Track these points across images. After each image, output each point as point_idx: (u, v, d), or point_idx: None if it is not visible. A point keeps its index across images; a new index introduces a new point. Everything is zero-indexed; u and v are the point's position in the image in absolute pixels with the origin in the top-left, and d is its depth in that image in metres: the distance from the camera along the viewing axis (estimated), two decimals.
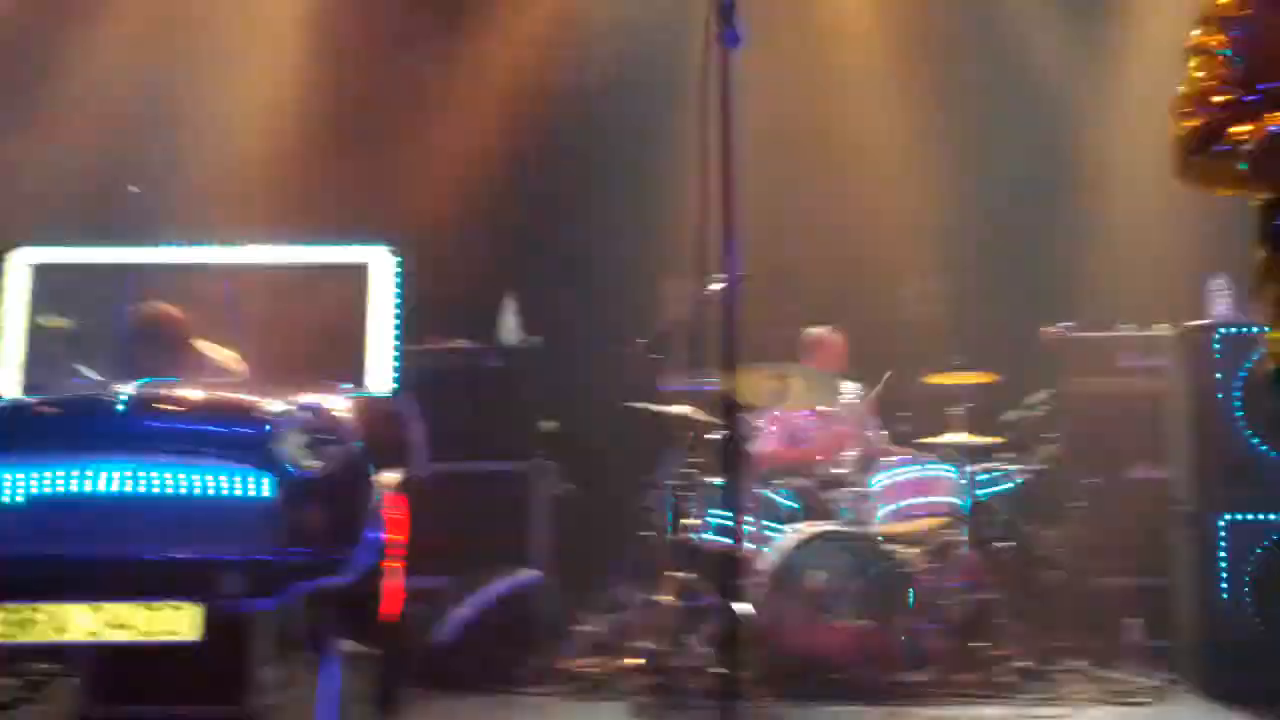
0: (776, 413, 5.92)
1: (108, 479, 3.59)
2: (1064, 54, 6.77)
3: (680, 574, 5.22)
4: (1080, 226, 6.69)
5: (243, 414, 3.81)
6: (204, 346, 4.84)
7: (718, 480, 5.46)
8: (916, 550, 5.44)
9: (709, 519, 5.45)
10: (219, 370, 4.79)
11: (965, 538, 5.41)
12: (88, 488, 3.58)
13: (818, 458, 5.85)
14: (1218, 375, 5.10)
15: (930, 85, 6.94)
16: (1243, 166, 2.55)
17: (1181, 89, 2.68)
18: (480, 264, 6.61)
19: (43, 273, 4.52)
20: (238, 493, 3.66)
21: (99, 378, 4.37)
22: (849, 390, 6.14)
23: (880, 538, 5.33)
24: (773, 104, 6.54)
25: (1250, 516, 5.03)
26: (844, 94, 7.02)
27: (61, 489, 3.58)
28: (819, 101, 7.02)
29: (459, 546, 5.29)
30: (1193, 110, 2.64)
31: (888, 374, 5.92)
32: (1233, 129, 2.56)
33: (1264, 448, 5.02)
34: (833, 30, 7.13)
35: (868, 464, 5.74)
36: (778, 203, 6.53)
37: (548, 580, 5.51)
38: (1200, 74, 2.65)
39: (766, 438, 6.01)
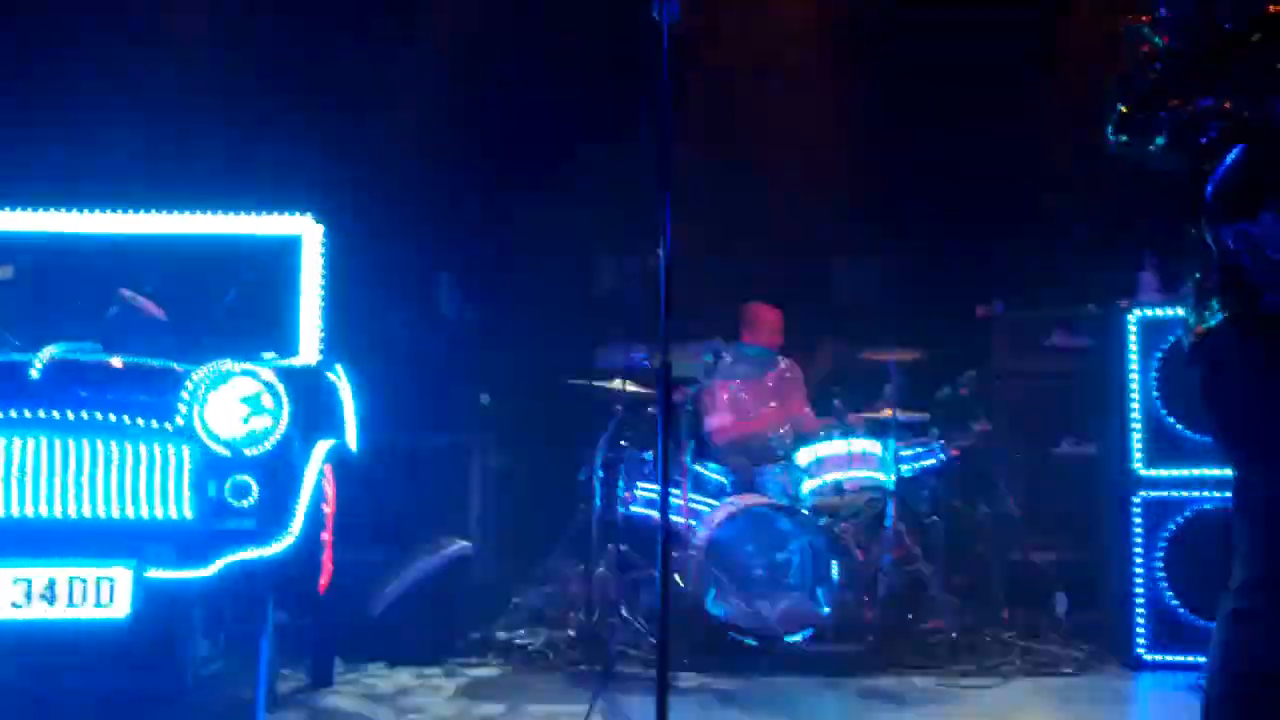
0: (719, 386, 5.96)
1: (23, 445, 3.53)
2: (995, 32, 6.83)
3: (615, 547, 5.24)
4: (1012, 206, 6.77)
5: (166, 381, 3.75)
6: (128, 296, 4.73)
7: (650, 454, 5.49)
8: (846, 524, 5.50)
9: (642, 492, 5.48)
10: (142, 316, 4.69)
11: (894, 512, 5.48)
12: (8, 451, 3.52)
13: (765, 429, 5.88)
14: (1136, 355, 5.21)
15: (863, 64, 6.98)
16: (1160, 141, 2.60)
17: (1116, 67, 2.73)
18: (416, 236, 6.55)
19: None
20: (159, 461, 3.61)
21: (15, 342, 4.27)
22: (784, 364, 6.19)
23: (808, 511, 5.38)
24: (709, 80, 6.55)
25: (1166, 493, 5.15)
26: (777, 72, 7.03)
27: None
28: (754, 78, 7.03)
29: (394, 518, 5.27)
30: (1123, 87, 2.68)
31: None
32: (1160, 105, 2.61)
33: (1179, 426, 5.15)
34: (763, 9, 7.13)
35: (798, 438, 5.78)
36: (714, 178, 6.55)
37: (484, 552, 5.50)
38: (1131, 52, 2.69)
39: (716, 413, 6.03)
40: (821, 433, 5.69)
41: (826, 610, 5.16)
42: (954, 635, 5.27)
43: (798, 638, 5.14)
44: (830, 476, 5.54)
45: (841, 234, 6.96)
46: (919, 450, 5.72)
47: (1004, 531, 5.83)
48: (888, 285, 6.74)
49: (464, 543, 5.36)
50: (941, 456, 5.73)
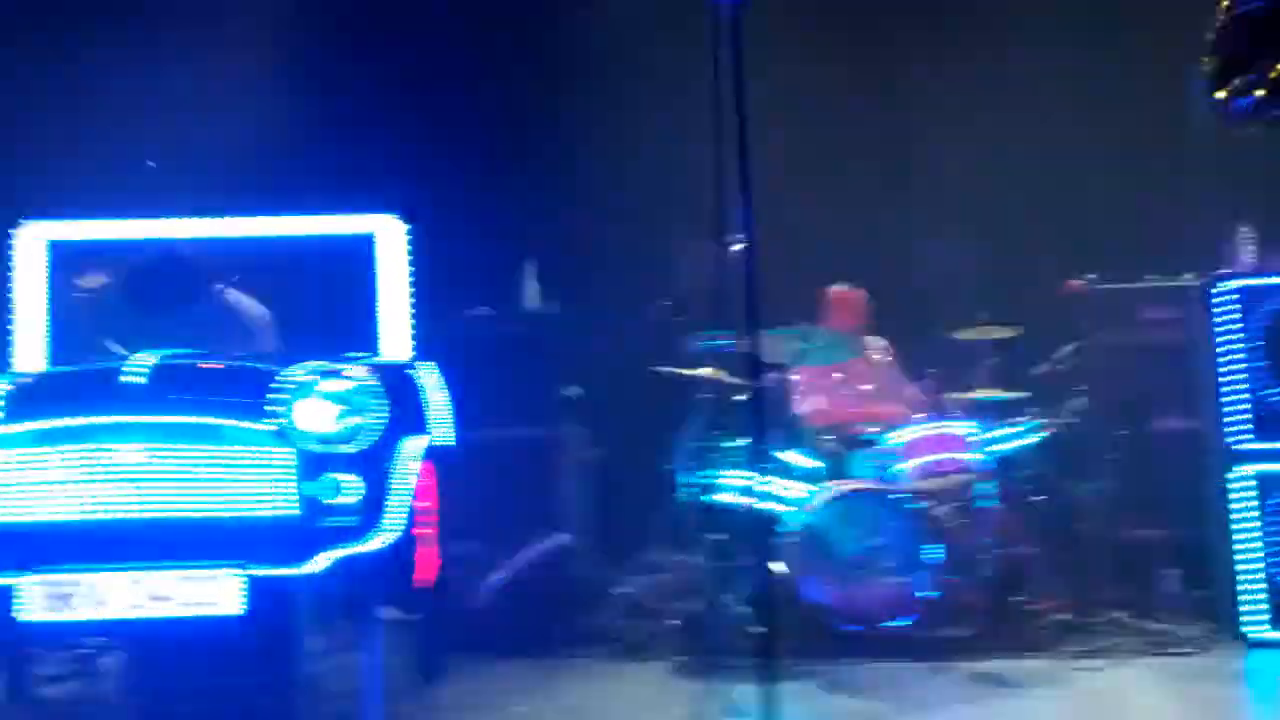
0: (808, 371, 5.90)
1: (131, 449, 3.59)
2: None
3: (712, 535, 5.21)
4: (1104, 177, 6.60)
5: (265, 383, 3.79)
6: (229, 294, 4.80)
7: (743, 440, 5.45)
8: (943, 506, 5.42)
9: (736, 479, 5.44)
10: (241, 318, 4.76)
11: (992, 492, 5.38)
12: (113, 458, 3.58)
13: (864, 417, 5.82)
14: (1240, 326, 5.05)
15: (952, 35, 6.85)
16: (1252, 99, 2.52)
17: (1211, 28, 2.65)
18: (498, 230, 6.58)
19: (59, 248, 4.52)
20: (259, 461, 3.66)
21: (123, 350, 4.37)
22: (876, 347, 6.11)
23: (904, 494, 5.30)
24: (789, 61, 6.47)
25: (1274, 466, 4.98)
26: (863, 48, 6.94)
27: (88, 459, 3.58)
28: (836, 56, 6.93)
29: (490, 512, 5.29)
30: (1215, 46, 2.61)
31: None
32: (1252, 64, 2.53)
33: None
34: None
35: (896, 420, 5.71)
36: (796, 161, 6.47)
37: (580, 544, 5.51)
38: (1226, 12, 2.62)
39: (806, 397, 5.98)
40: (916, 414, 5.61)
41: (928, 594, 5.09)
42: (1064, 616, 5.15)
43: (901, 623, 5.07)
44: (925, 459, 5.46)
45: (923, 208, 6.83)
46: (1015, 429, 5.62)
47: (1107, 509, 5.68)
48: (973, 260, 6.60)
49: (559, 535, 5.38)
50: (1039, 435, 5.62)
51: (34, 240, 4.42)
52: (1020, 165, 6.59)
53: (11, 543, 3.55)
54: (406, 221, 4.56)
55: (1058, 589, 5.29)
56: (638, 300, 6.15)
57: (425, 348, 4.56)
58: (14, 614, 3.48)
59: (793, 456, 5.59)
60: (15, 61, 6.43)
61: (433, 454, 4.13)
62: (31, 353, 4.37)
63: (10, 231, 4.41)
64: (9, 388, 3.76)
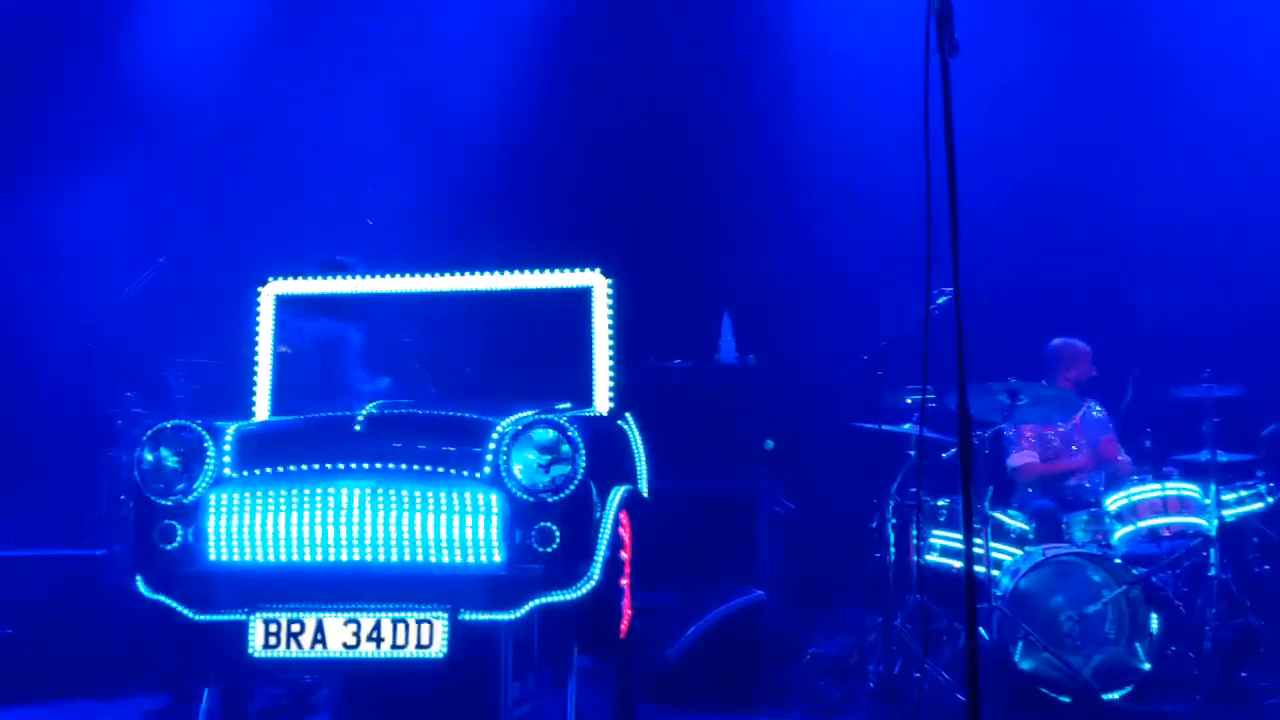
0: (1022, 426, 5.71)
1: (351, 494, 3.75)
2: None
3: (913, 597, 5.08)
4: None
5: (474, 433, 3.90)
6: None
7: (944, 500, 5.32)
8: (1166, 573, 5.15)
9: (938, 540, 5.30)
10: None
11: (1217, 560, 5.08)
12: (332, 502, 3.74)
13: (1077, 470, 5.61)
14: None
15: (1167, 86, 6.61)
16: None
17: None
18: (696, 283, 6.64)
19: (287, 303, 4.78)
20: (470, 508, 3.75)
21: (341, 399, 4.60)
22: (1095, 405, 5.88)
23: (1121, 560, 5.06)
24: (1004, 110, 6.36)
25: None
26: (1079, 98, 6.76)
27: (310, 503, 3.75)
28: (1054, 107, 6.77)
29: (684, 564, 5.29)
30: None
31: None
32: None
33: None
34: (1082, 37, 6.89)
35: (1108, 482, 5.46)
36: (1010, 212, 6.33)
37: (774, 600, 5.44)
38: None
39: (1019, 450, 5.80)
40: (1134, 476, 5.35)
41: (1147, 666, 4.83)
42: None
43: (1115, 695, 4.83)
44: (1144, 523, 5.22)
45: (1149, 259, 6.56)
46: (1244, 493, 5.31)
47: None
48: (1195, 311, 6.27)
49: (754, 589, 5.33)
50: (1270, 499, 5.30)
51: (271, 298, 4.69)
52: (1246, 210, 6.27)
53: (243, 582, 3.74)
54: (609, 276, 4.64)
55: None
56: (838, 353, 6.08)
57: (625, 399, 4.62)
58: (245, 649, 3.66)
59: (1001, 517, 5.40)
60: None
61: (629, 504, 4.17)
62: (260, 402, 4.62)
63: (256, 290, 4.68)
64: (238, 436, 3.96)
